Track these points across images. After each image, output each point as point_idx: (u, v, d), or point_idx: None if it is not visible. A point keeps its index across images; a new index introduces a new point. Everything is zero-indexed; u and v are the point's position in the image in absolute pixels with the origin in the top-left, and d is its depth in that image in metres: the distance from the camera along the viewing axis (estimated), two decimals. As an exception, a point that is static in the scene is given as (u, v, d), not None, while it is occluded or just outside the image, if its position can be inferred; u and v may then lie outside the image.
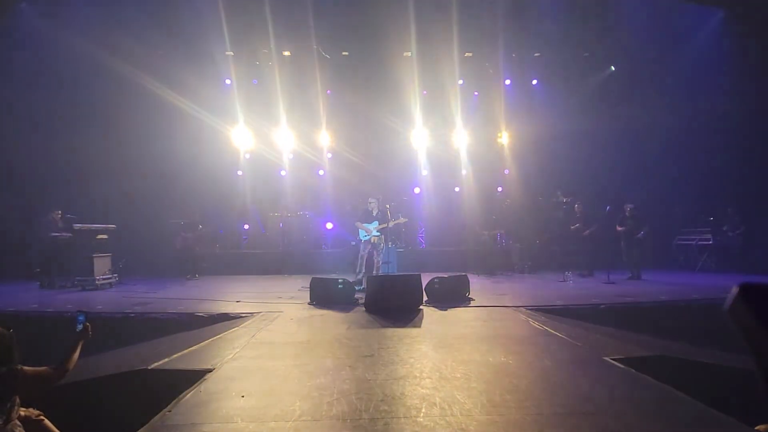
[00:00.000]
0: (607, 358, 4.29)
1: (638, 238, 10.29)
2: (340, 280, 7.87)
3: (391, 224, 9.28)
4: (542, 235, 12.85)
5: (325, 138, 14.16)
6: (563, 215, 12.41)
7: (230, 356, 4.54)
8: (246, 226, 14.15)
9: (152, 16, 11.92)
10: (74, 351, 3.42)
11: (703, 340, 5.54)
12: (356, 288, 8.05)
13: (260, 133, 13.83)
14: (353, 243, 13.09)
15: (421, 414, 3.07)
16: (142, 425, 2.98)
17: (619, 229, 10.51)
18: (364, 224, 9.17)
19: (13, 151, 11.61)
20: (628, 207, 10.54)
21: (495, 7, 12.16)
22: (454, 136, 14.15)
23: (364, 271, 9.19)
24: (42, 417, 3.30)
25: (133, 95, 12.01)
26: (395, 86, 13.88)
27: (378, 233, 9.15)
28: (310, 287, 7.80)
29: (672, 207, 13.19)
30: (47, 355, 3.56)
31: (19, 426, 3.08)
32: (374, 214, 9.21)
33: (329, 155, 14.32)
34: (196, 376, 3.94)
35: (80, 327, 3.58)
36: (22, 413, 3.18)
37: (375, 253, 9.29)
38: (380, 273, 9.12)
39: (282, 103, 13.55)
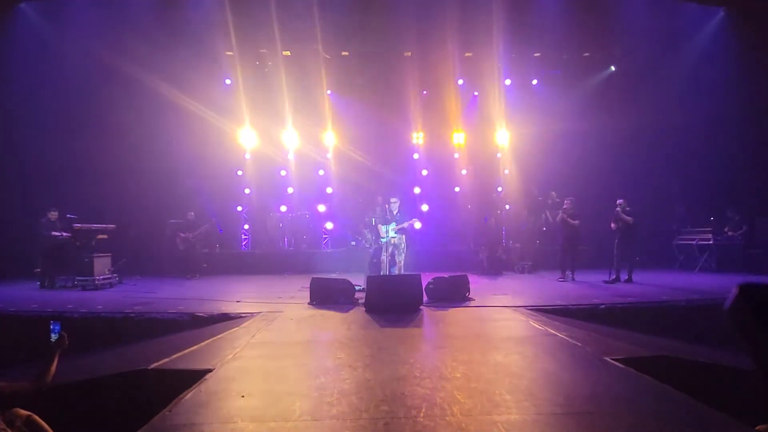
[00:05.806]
0: (607, 358, 4.29)
1: (630, 224, 9.65)
2: (340, 280, 7.86)
3: (406, 225, 9.16)
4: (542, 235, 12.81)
5: (324, 138, 14.16)
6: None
7: (230, 356, 4.54)
8: (246, 226, 14.16)
9: (153, 13, 11.92)
10: (52, 363, 3.39)
11: (703, 340, 5.54)
12: (356, 288, 8.03)
13: (260, 132, 13.81)
14: (353, 243, 13.11)
15: (422, 414, 3.07)
16: (142, 425, 2.98)
17: (613, 226, 9.87)
18: (382, 225, 9.07)
19: (13, 150, 11.61)
20: (620, 202, 9.91)
21: (495, 7, 12.15)
22: (454, 136, 14.14)
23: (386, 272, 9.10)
24: (31, 415, 3.26)
25: (131, 95, 11.99)
26: (395, 86, 13.87)
27: (395, 234, 9.05)
28: (310, 287, 7.79)
29: (672, 207, 13.17)
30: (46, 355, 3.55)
31: (6, 430, 3.05)
32: (395, 214, 9.09)
33: (329, 155, 14.32)
34: (196, 376, 3.93)
35: (56, 337, 3.54)
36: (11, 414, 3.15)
37: (396, 253, 9.14)
38: (402, 272, 8.98)
39: (282, 103, 13.55)
